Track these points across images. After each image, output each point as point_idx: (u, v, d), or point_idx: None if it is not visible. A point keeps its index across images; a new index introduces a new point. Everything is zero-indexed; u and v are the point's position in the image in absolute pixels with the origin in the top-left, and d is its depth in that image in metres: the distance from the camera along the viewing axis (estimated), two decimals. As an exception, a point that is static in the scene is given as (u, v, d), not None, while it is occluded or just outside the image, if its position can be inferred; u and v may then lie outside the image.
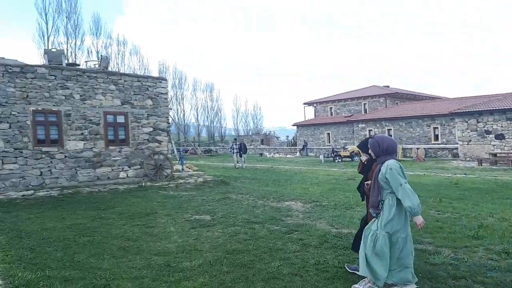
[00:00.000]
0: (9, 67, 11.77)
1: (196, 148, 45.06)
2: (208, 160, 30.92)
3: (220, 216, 8.06)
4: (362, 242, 4.08)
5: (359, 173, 4.83)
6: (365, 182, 4.49)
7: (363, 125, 37.43)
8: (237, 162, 24.01)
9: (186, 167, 18.34)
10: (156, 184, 13.24)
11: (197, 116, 65.69)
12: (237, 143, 25.19)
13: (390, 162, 3.87)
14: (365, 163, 4.64)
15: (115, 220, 7.80)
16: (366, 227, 4.13)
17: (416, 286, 3.97)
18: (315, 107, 49.06)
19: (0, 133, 11.48)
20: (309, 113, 50.94)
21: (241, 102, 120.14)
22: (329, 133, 42.09)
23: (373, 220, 4.04)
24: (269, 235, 6.42)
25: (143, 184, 13.02)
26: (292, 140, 53.93)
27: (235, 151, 24.17)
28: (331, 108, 46.62)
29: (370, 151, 4.23)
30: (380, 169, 3.94)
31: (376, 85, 47.72)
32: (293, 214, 8.24)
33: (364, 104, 43.14)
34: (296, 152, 41.78)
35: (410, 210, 3.68)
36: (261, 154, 41.38)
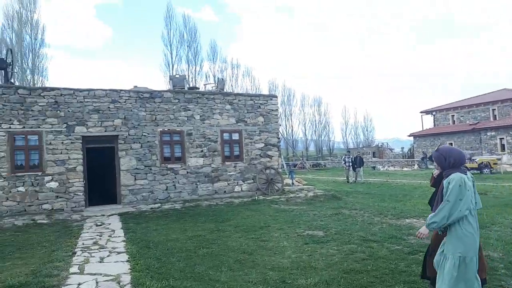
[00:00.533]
0: (141, 93, 13.33)
1: (305, 162, 45.03)
2: (317, 174, 30.61)
3: (333, 233, 7.78)
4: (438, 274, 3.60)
5: (431, 186, 4.59)
6: None
7: (493, 133, 33.14)
8: (351, 177, 22.36)
9: (296, 181, 18.37)
10: (268, 198, 13.49)
11: (305, 130, 65.92)
12: (350, 156, 23.20)
13: (453, 176, 3.46)
14: (436, 176, 4.38)
15: (231, 233, 8.08)
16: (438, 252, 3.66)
17: None
18: (434, 115, 45.12)
19: (133, 152, 12.99)
20: (427, 123, 47.07)
21: (350, 114, 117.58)
22: (451, 143, 38.17)
23: (442, 242, 3.61)
24: (389, 255, 5.94)
25: (256, 197, 13.38)
26: (409, 152, 50.26)
27: (347, 164, 22.48)
28: (453, 115, 42.33)
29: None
30: (443, 184, 3.56)
31: (508, 88, 41.96)
32: (415, 233, 7.54)
33: (493, 109, 38.17)
34: (414, 165, 38.77)
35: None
36: (373, 168, 39.40)
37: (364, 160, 24.53)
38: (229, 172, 14.29)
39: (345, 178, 22.96)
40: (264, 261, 5.84)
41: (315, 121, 66.78)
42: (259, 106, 15.07)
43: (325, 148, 70.20)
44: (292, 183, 17.43)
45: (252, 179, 14.60)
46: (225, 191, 14.13)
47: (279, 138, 15.53)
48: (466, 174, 3.52)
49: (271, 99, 15.48)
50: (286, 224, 8.93)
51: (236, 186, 14.36)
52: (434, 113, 45.00)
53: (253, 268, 5.49)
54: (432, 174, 4.56)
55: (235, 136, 14.59)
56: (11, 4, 34.95)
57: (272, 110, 15.32)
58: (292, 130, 63.12)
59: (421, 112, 46.26)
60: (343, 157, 24.96)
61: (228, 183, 14.23)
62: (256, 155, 14.82)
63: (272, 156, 15.08)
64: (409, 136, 45.36)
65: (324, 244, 6.83)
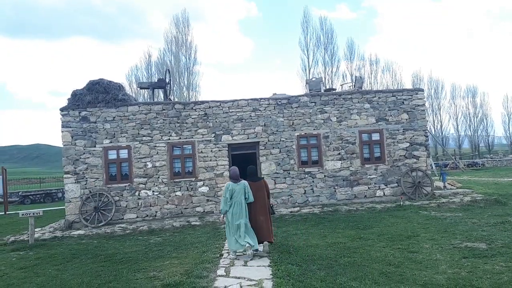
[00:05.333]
0: (279, 100, 13.74)
1: (458, 162, 40.10)
2: (473, 175, 26.79)
3: (500, 245, 6.61)
4: None
5: None
6: None
7: None
8: None
9: (448, 183, 16.39)
10: (415, 203, 12.32)
11: (457, 126, 58.64)
12: None
13: None
14: None
15: (374, 242, 7.58)
16: None
17: None
18: None
19: (273, 157, 13.44)
20: None
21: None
22: None
23: None
24: None
25: (401, 203, 12.36)
26: None
27: None
28: None
29: None
30: None
31: None
32: None
33: None
34: None
35: None
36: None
37: None
38: (370, 175, 13.58)
39: None
40: (414, 276, 5.26)
41: (469, 114, 58.93)
42: (403, 102, 13.96)
43: (483, 144, 61.36)
44: (444, 186, 15.61)
45: (396, 182, 13.57)
46: (365, 196, 13.46)
47: (426, 136, 14.09)
48: None
49: (417, 93, 14.17)
50: (439, 233, 7.97)
51: (378, 190, 13.54)
52: None
53: (401, 283, 5.00)
54: None
55: (375, 136, 13.79)
56: (170, 30, 40.36)
57: (418, 105, 14.01)
58: (441, 126, 56.97)
59: None
60: None
61: (368, 187, 13.54)
62: (400, 156, 13.74)
63: (419, 157, 13.77)
64: None
65: (488, 259, 5.86)
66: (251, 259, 6.63)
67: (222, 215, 7.16)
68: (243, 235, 6.74)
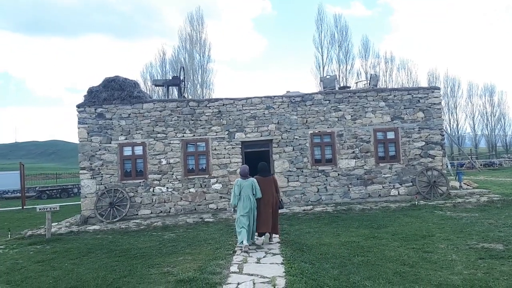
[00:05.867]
0: (292, 98, 13.69)
1: (474, 162, 39.38)
2: (490, 175, 26.26)
3: (517, 247, 6.48)
4: None
5: None
6: None
7: None
8: None
9: (464, 183, 16.12)
10: (431, 203, 12.15)
11: (473, 125, 57.55)
12: None
13: None
14: None
15: (389, 241, 7.51)
16: None
17: None
18: None
19: (286, 155, 13.41)
20: None
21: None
22: None
23: None
24: None
25: (416, 202, 12.21)
26: None
27: None
28: None
29: None
30: None
31: None
32: None
33: None
34: None
35: None
36: None
37: None
38: (384, 174, 13.44)
39: None
40: (429, 276, 5.20)
41: (486, 113, 57.74)
42: (418, 101, 13.78)
43: (500, 144, 60.13)
44: (460, 186, 15.37)
45: (411, 181, 13.41)
46: (379, 195, 13.34)
47: (442, 135, 13.88)
48: None
49: (433, 92, 13.97)
50: (454, 234, 7.85)
51: (392, 190, 13.40)
52: None
53: (416, 283, 4.94)
54: None
55: (390, 135, 13.64)
56: (184, 28, 40.47)
57: (434, 103, 13.81)
58: (457, 125, 55.97)
59: None
60: None
61: (383, 186, 13.41)
62: (415, 155, 13.57)
63: (435, 156, 13.57)
64: None
65: (505, 261, 5.76)
66: (247, 253, 7.03)
67: (232, 208, 8.23)
68: (248, 229, 7.38)
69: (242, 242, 7.21)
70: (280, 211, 8.36)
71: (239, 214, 7.46)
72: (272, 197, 7.80)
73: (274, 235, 8.02)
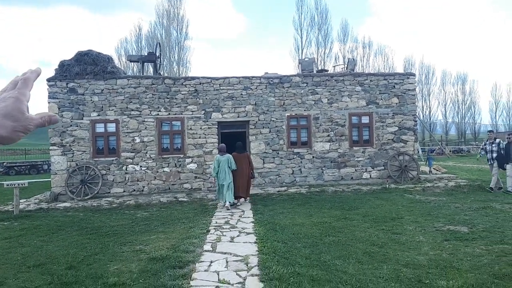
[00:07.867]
0: (271, 79, 13.61)
1: (444, 148, 40.69)
2: (459, 161, 27.23)
3: (481, 229, 6.77)
4: None
5: None
6: None
7: None
8: (495, 181, 11.85)
9: (434, 168, 16.66)
10: (401, 187, 12.52)
11: (445, 112, 59.24)
12: (497, 142, 12.11)
13: None
14: None
15: (359, 222, 7.70)
16: None
17: None
18: None
19: (262, 137, 13.42)
20: None
21: (502, 92, 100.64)
22: None
23: None
24: (558, 263, 4.87)
25: (387, 186, 12.54)
26: None
27: (492, 155, 11.98)
28: None
29: None
30: None
31: None
32: None
33: None
34: None
35: None
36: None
37: None
38: (357, 157, 13.70)
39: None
40: (397, 256, 5.37)
41: (457, 101, 59.48)
42: (394, 86, 13.99)
43: (469, 131, 62.29)
44: (430, 171, 15.87)
45: (383, 165, 13.73)
46: (352, 178, 13.61)
47: (415, 121, 14.20)
48: None
49: (408, 78, 14.20)
50: (422, 216, 8.12)
51: (365, 173, 13.70)
52: None
53: (384, 263, 5.10)
54: None
55: (365, 120, 13.85)
56: (161, 3, 39.48)
57: (409, 90, 14.06)
58: (429, 111, 57.46)
59: None
60: (483, 143, 13.29)
61: (355, 169, 13.67)
62: (388, 139, 13.86)
63: (407, 141, 13.91)
64: None
65: (469, 242, 6.00)
66: (228, 209, 9.41)
67: (213, 178, 10.20)
68: (225, 193, 9.65)
69: (225, 201, 9.50)
70: (254, 191, 9.36)
71: (218, 183, 9.78)
72: (247, 169, 10.11)
73: (248, 198, 10.49)
